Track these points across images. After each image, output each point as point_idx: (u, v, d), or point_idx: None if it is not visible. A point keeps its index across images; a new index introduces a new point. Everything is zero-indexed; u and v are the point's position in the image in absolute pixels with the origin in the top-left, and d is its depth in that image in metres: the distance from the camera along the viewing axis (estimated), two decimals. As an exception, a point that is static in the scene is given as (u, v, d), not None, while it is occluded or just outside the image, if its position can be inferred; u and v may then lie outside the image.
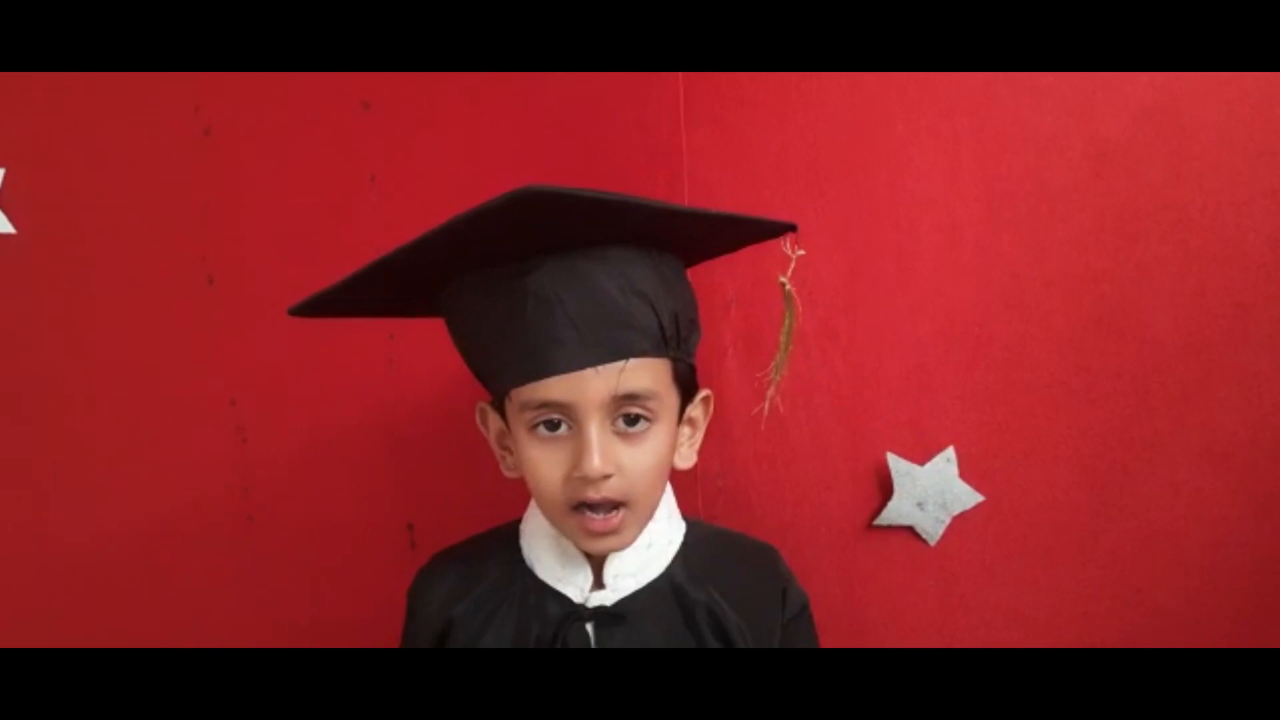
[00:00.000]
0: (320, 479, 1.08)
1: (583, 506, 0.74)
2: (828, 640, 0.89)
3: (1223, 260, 0.99)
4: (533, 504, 0.83)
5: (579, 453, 0.72)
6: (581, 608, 0.78)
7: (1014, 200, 1.01)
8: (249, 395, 1.07)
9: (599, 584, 0.79)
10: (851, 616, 1.05)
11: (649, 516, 0.79)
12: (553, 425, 0.73)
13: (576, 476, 0.72)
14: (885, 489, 1.04)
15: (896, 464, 1.03)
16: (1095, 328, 1.01)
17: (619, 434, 0.73)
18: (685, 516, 0.86)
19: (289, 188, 1.05)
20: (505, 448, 0.81)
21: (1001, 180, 1.01)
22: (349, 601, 1.09)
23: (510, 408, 0.76)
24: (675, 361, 0.76)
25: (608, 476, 0.72)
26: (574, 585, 0.79)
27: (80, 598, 1.09)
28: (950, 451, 1.02)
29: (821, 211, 1.03)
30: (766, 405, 0.81)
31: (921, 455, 1.03)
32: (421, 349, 1.06)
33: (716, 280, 1.03)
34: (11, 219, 1.05)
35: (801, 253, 0.77)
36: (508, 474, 0.82)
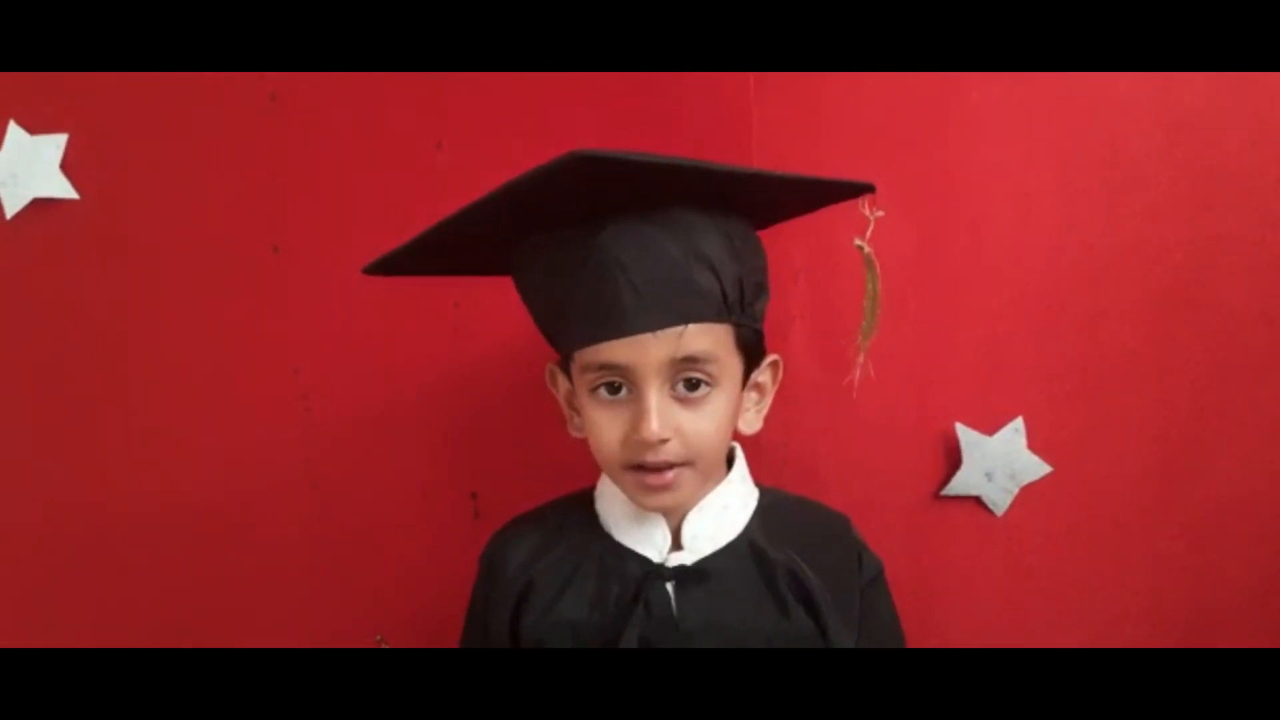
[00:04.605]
0: (384, 447, 1.08)
1: (641, 465, 0.75)
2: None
3: (1300, 229, 0.98)
4: None
5: (638, 416, 0.73)
6: (662, 567, 0.79)
7: (1088, 168, 1.00)
8: (313, 363, 1.07)
9: (676, 546, 0.80)
10: (918, 586, 1.04)
11: (708, 477, 0.79)
12: (614, 388, 0.74)
13: (635, 439, 0.73)
14: (953, 459, 1.03)
15: (965, 434, 1.02)
16: (1168, 298, 1.00)
17: (679, 398, 0.74)
18: (757, 483, 0.86)
19: (355, 154, 1.05)
20: (573, 408, 0.82)
21: (1075, 148, 1.00)
22: (413, 570, 1.09)
23: (575, 369, 0.77)
24: (738, 326, 0.76)
25: (665, 441, 0.73)
26: (652, 546, 0.80)
27: (146, 563, 1.09)
28: (1019, 422, 1.02)
29: (893, 179, 1.00)
30: (857, 374, 0.80)
31: (990, 426, 1.02)
32: (486, 317, 1.05)
33: (784, 250, 1.01)
34: (76, 185, 1.05)
35: (880, 214, 0.76)
36: (574, 434, 0.82)
